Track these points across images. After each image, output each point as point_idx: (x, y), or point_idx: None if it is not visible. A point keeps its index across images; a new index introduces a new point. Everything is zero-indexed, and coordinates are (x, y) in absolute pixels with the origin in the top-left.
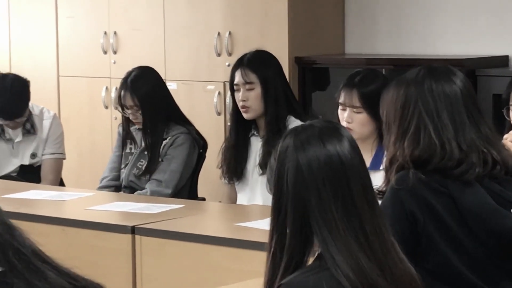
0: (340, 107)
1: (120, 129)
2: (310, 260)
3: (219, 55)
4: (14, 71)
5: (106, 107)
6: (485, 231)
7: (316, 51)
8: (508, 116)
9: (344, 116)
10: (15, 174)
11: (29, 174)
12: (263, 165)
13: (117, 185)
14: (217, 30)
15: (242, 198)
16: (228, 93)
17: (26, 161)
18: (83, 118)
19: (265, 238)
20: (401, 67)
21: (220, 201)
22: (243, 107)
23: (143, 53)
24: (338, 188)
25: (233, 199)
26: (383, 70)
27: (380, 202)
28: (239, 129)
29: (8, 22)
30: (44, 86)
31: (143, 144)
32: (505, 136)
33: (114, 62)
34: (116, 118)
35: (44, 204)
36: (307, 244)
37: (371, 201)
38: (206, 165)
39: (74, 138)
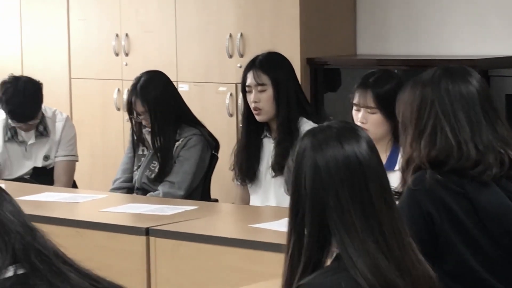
0: (354, 107)
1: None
2: (328, 261)
3: (230, 56)
4: (26, 74)
5: (118, 109)
6: (502, 232)
7: (328, 52)
8: None
9: (358, 117)
10: (28, 176)
11: (42, 176)
12: (275, 167)
13: (129, 187)
14: (229, 32)
15: (255, 200)
16: (240, 95)
17: (39, 163)
18: (95, 120)
19: (279, 240)
20: (413, 67)
21: (233, 203)
22: (255, 108)
23: (155, 55)
24: (356, 189)
25: (246, 200)
26: (395, 71)
27: (396, 203)
28: (251, 130)
29: (20, 25)
30: (56, 89)
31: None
32: None
33: (126, 64)
34: (128, 120)
35: (58, 206)
36: (325, 245)
37: (389, 202)
38: (219, 167)
39: (86, 140)
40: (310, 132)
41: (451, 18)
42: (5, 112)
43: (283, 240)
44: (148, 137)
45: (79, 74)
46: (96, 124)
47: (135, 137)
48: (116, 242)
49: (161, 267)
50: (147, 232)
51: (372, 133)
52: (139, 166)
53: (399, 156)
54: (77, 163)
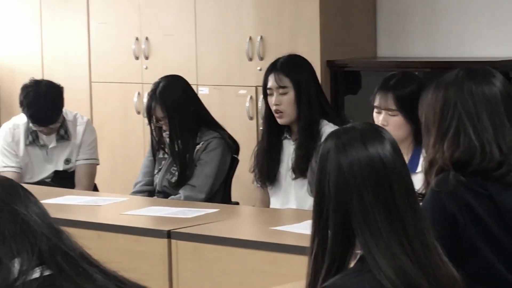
0: (375, 110)
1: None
2: (352, 263)
3: (250, 59)
4: (46, 77)
5: (138, 113)
6: None
7: (348, 54)
8: None
9: (379, 119)
10: (49, 180)
11: (63, 179)
12: (296, 169)
13: (150, 190)
14: (249, 35)
15: (275, 202)
16: (260, 97)
17: (60, 166)
18: (116, 124)
19: (301, 242)
20: (434, 69)
21: (253, 205)
22: (276, 111)
23: (174, 59)
24: (380, 191)
25: (266, 203)
26: (416, 73)
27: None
28: (272, 133)
29: (41, 29)
30: (77, 92)
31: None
32: None
33: (146, 68)
34: (148, 124)
35: (79, 209)
36: (349, 247)
37: (413, 203)
38: (239, 170)
39: (107, 144)
40: (334, 133)
41: (472, 19)
42: (27, 116)
43: (305, 243)
44: (168, 141)
45: (99, 77)
46: (117, 128)
47: (155, 142)
48: (137, 244)
49: (182, 269)
50: (169, 234)
51: (393, 135)
52: (159, 170)
53: (421, 158)
54: (98, 166)
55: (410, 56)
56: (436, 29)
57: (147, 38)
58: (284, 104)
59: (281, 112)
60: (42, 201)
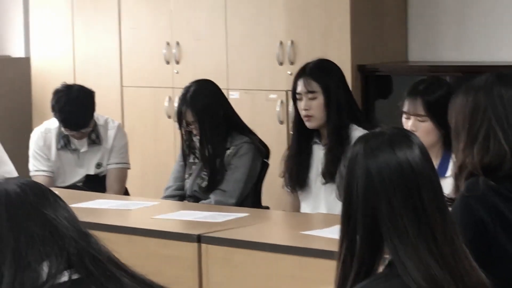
0: (404, 115)
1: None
2: (381, 268)
3: (281, 64)
4: (78, 82)
5: (169, 117)
6: None
7: (379, 59)
8: None
9: (408, 125)
10: (81, 184)
11: (94, 183)
12: (326, 173)
13: (181, 195)
14: (279, 39)
15: (306, 207)
16: (291, 102)
17: (92, 171)
18: (147, 128)
19: (331, 247)
20: (465, 74)
21: (283, 210)
22: (305, 116)
23: (205, 63)
24: (409, 195)
25: (296, 208)
26: (447, 77)
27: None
28: (301, 137)
29: (73, 34)
30: (108, 97)
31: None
32: None
33: (177, 72)
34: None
35: (110, 213)
36: (378, 251)
37: (442, 208)
38: (269, 174)
39: (138, 148)
40: (363, 138)
41: (503, 24)
42: (58, 120)
43: (334, 247)
44: (198, 146)
45: (131, 82)
46: (148, 132)
47: (186, 146)
48: (168, 249)
49: (212, 274)
50: (199, 239)
51: (422, 141)
52: (190, 174)
53: (450, 163)
54: (129, 170)
55: (441, 60)
56: (467, 33)
57: (178, 43)
58: (313, 109)
59: (310, 116)
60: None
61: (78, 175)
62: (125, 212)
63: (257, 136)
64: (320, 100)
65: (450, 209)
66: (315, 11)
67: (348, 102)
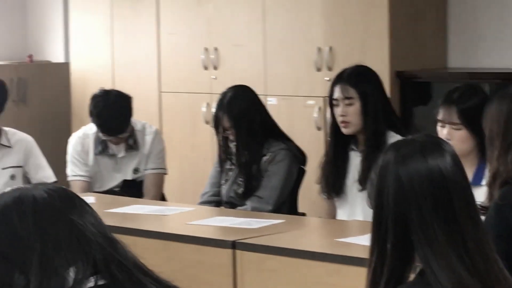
0: (439, 124)
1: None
2: (412, 276)
3: (319, 70)
4: (117, 87)
5: (207, 123)
6: None
7: (418, 65)
8: None
9: (443, 133)
10: (118, 189)
11: (131, 189)
12: (362, 180)
13: (217, 201)
14: (317, 45)
15: (342, 214)
16: (328, 108)
17: (129, 176)
18: (184, 134)
19: (365, 254)
20: (505, 81)
21: (320, 217)
22: (342, 122)
23: (243, 69)
24: (440, 204)
25: (332, 214)
26: (488, 84)
27: (483, 217)
28: (338, 144)
29: (112, 39)
30: (146, 102)
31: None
32: None
33: (215, 78)
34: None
35: (146, 218)
36: (408, 260)
37: (474, 217)
38: (306, 181)
39: (175, 153)
40: (394, 145)
41: None
42: (96, 125)
43: None
44: (235, 152)
45: (169, 87)
46: (185, 138)
47: (222, 152)
48: (202, 255)
49: (247, 280)
50: (233, 245)
51: (457, 149)
52: (226, 180)
53: (486, 171)
54: (166, 176)
55: (481, 67)
56: (506, 39)
57: (216, 49)
58: (350, 115)
59: (347, 122)
60: (109, 210)
61: (115, 180)
62: (161, 217)
63: (294, 143)
64: (357, 106)
65: (483, 217)
66: (354, 17)
67: (385, 108)
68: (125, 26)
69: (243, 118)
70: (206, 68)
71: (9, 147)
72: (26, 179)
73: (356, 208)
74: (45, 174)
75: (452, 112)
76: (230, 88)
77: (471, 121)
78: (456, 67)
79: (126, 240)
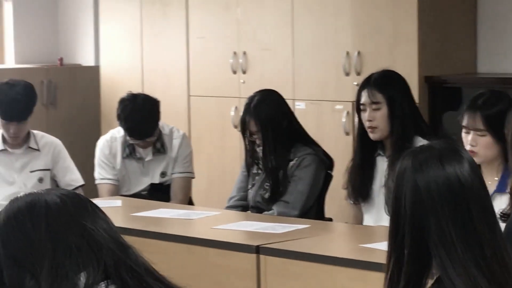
0: (463, 130)
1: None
2: (429, 283)
3: (347, 74)
4: (146, 91)
5: (235, 127)
6: None
7: (447, 70)
8: None
9: (468, 139)
10: (146, 192)
11: (159, 192)
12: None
13: (244, 205)
14: (346, 50)
15: (369, 219)
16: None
17: (156, 179)
18: (213, 138)
19: None
20: None
21: (346, 222)
22: (369, 127)
23: (272, 73)
24: (457, 211)
25: (359, 220)
26: None
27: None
28: (365, 149)
29: (141, 43)
30: (175, 106)
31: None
32: None
33: (244, 82)
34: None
35: (172, 222)
36: (425, 267)
37: (492, 224)
38: (334, 186)
39: (204, 157)
40: (411, 152)
41: None
42: (123, 129)
43: None
44: (261, 156)
45: (198, 91)
46: (214, 142)
47: (249, 156)
48: (227, 259)
49: (271, 285)
50: (257, 250)
51: (482, 156)
52: (253, 185)
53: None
54: (194, 180)
55: (511, 72)
56: None
57: (244, 53)
58: (377, 120)
59: (374, 127)
60: (136, 214)
61: (142, 184)
62: (186, 221)
63: (321, 148)
64: (384, 111)
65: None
66: (382, 21)
67: (413, 113)
68: (154, 30)
69: (270, 123)
70: (234, 72)
71: (37, 150)
72: (54, 182)
73: (383, 213)
74: (73, 177)
75: (477, 118)
76: (257, 92)
77: (495, 127)
78: (486, 72)
79: (150, 244)
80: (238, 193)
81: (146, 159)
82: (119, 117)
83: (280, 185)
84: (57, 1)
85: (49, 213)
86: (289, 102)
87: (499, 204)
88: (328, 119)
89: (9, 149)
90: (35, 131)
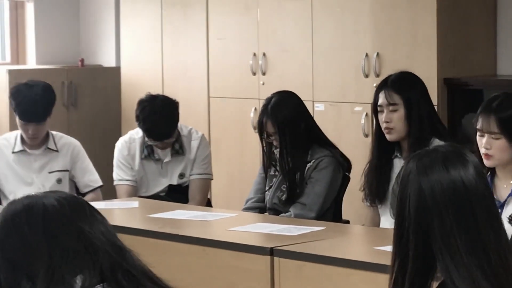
0: (478, 133)
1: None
2: (434, 285)
3: (366, 76)
4: (166, 92)
5: (255, 128)
6: None
7: (466, 72)
8: None
9: (482, 143)
10: (164, 193)
11: (177, 194)
12: None
13: (261, 207)
14: (365, 51)
15: (385, 222)
16: None
17: (175, 181)
18: (233, 139)
19: None
20: None
21: (363, 224)
22: (386, 128)
23: (291, 74)
24: (462, 214)
25: (376, 222)
26: None
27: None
28: (382, 151)
29: (161, 44)
30: (195, 107)
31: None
32: None
33: (263, 83)
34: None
35: (187, 224)
36: (430, 270)
37: (496, 228)
38: (351, 187)
39: (223, 159)
40: (416, 155)
41: None
42: (142, 130)
43: None
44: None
45: (217, 92)
46: (233, 143)
47: (266, 158)
48: (241, 261)
49: (284, 287)
50: (271, 252)
51: (497, 159)
52: (270, 187)
53: None
54: (213, 181)
55: None
56: None
57: (264, 54)
58: (394, 121)
59: (391, 128)
60: (153, 215)
61: (161, 185)
62: (202, 223)
63: (338, 150)
64: (401, 112)
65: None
66: (401, 23)
67: (430, 115)
68: (174, 31)
69: (287, 124)
70: (254, 73)
71: (56, 151)
72: (73, 183)
73: None
74: (92, 178)
75: (491, 121)
76: (274, 94)
77: (510, 130)
78: (506, 74)
79: (166, 246)
80: (256, 194)
81: (164, 160)
82: (138, 118)
83: (297, 187)
84: (79, 2)
85: (46, 216)
86: (308, 104)
87: None
88: (347, 121)
89: (28, 150)
90: (54, 132)
